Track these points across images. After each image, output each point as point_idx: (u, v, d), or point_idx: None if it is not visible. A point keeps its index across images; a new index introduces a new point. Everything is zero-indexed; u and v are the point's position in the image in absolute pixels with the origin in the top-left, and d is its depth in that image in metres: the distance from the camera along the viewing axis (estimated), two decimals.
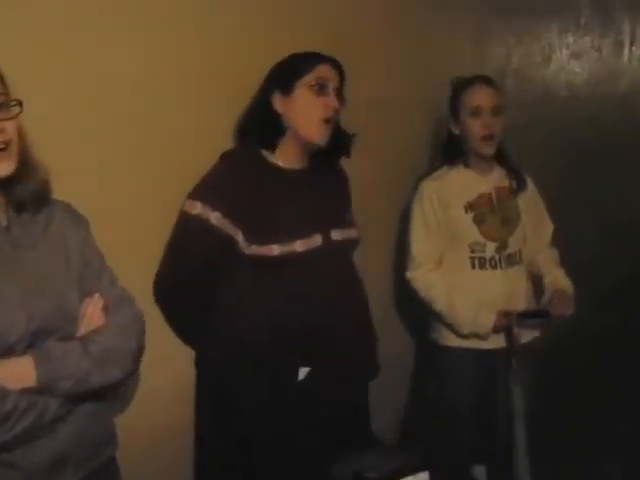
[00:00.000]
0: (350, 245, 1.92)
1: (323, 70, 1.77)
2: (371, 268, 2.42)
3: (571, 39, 3.64)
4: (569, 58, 3.66)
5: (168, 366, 1.85)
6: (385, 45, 2.52)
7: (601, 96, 3.99)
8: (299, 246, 1.75)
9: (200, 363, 1.91)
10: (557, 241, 2.58)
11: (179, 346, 1.92)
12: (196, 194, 1.74)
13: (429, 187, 2.35)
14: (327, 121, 1.77)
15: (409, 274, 2.37)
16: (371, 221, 2.44)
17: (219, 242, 1.73)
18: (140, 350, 1.44)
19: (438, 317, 2.38)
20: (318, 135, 1.77)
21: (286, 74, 1.78)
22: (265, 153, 1.82)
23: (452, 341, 2.37)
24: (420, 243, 2.33)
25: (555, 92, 3.64)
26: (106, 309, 1.41)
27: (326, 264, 1.80)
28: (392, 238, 2.57)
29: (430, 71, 2.69)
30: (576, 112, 3.71)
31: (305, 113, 1.76)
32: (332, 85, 1.78)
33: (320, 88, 1.75)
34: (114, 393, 1.50)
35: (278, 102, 1.78)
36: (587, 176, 3.73)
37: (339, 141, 1.89)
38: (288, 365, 1.77)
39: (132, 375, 1.46)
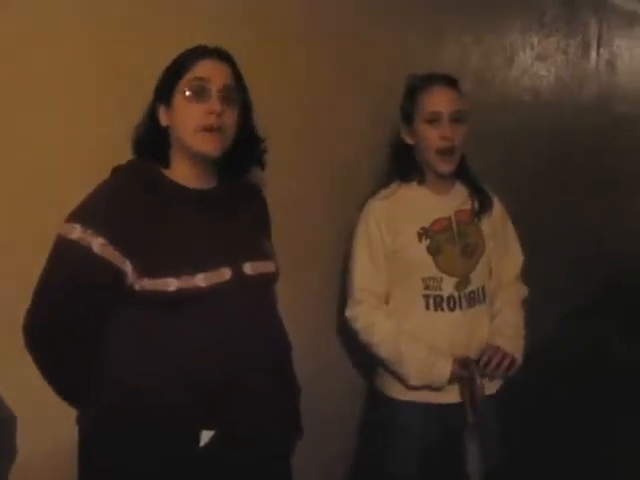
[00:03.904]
0: (266, 281, 1.68)
1: (202, 69, 1.55)
2: (312, 303, 2.25)
3: (535, 39, 3.43)
4: (534, 60, 3.42)
5: (45, 429, 1.61)
6: (322, 43, 2.25)
7: (569, 102, 3.77)
8: (202, 281, 1.50)
9: (80, 423, 1.65)
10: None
11: (59, 404, 1.63)
12: (76, 215, 1.51)
13: (376, 208, 2.03)
14: (209, 129, 1.56)
15: (348, 312, 2.06)
16: (309, 247, 2.23)
17: (102, 274, 1.49)
18: None
19: (383, 364, 2.09)
20: (202, 144, 1.55)
21: (164, 82, 1.59)
22: (163, 170, 1.64)
23: (399, 393, 2.06)
24: (363, 275, 2.02)
25: (518, 97, 3.48)
26: None
27: (236, 303, 1.56)
28: (337, 267, 2.30)
29: (375, 72, 2.43)
30: (541, 120, 3.48)
31: (184, 123, 1.56)
32: (217, 84, 1.56)
33: (198, 92, 1.54)
34: None
35: (162, 114, 1.60)
36: (552, 192, 3.49)
37: (248, 149, 1.67)
38: (186, 428, 1.50)
39: None
